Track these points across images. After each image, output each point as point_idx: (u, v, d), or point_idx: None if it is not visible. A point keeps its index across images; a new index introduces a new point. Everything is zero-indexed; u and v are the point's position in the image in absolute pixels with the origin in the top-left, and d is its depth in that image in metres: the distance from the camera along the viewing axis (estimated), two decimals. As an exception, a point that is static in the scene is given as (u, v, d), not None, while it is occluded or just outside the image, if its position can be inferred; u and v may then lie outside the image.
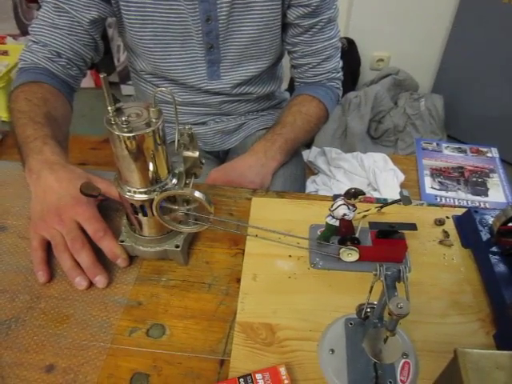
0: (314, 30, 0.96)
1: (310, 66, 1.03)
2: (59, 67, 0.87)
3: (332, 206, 0.61)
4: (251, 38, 0.93)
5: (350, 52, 2.26)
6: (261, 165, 0.92)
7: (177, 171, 0.61)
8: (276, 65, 1.10)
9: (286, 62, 1.16)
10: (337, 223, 0.62)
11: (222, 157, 1.18)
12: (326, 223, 0.63)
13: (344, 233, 0.63)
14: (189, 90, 1.01)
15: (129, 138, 0.51)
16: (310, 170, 1.60)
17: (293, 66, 1.08)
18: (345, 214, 0.60)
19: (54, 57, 0.87)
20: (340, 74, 1.09)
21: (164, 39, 0.91)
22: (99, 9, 0.86)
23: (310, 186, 1.51)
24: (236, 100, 1.06)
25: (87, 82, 2.68)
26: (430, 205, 0.77)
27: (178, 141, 0.58)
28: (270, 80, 1.09)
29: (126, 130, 0.50)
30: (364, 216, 0.63)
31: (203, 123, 1.09)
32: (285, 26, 0.97)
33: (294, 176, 1.05)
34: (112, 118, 0.51)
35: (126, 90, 2.65)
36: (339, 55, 1.06)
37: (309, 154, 1.66)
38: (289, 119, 1.01)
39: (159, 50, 0.93)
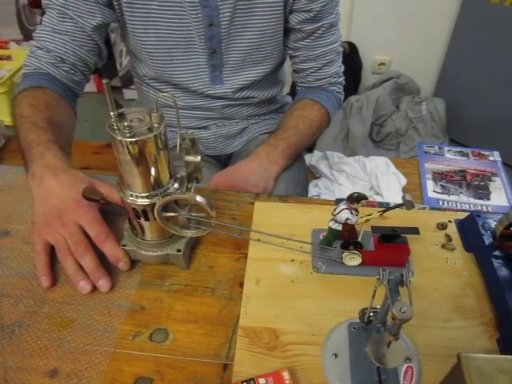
0: (315, 34, 0.96)
1: (312, 70, 1.04)
2: (63, 73, 0.88)
3: (335, 210, 0.61)
4: (253, 43, 0.94)
5: (351, 56, 2.27)
6: (264, 169, 0.92)
7: (179, 176, 0.61)
8: (278, 69, 1.10)
9: (287, 66, 1.16)
10: (339, 227, 0.62)
11: (224, 161, 1.19)
12: (329, 227, 0.63)
13: (347, 237, 0.63)
14: (191, 95, 1.01)
15: (131, 142, 0.51)
16: (312, 173, 1.60)
17: (294, 71, 1.08)
18: (347, 219, 0.60)
19: (58, 62, 0.87)
20: (342, 79, 1.09)
21: (167, 44, 0.91)
22: (103, 14, 0.87)
23: (313, 190, 1.51)
24: (238, 104, 1.06)
25: (89, 86, 2.68)
26: (432, 209, 0.77)
27: (180, 145, 0.58)
28: (271, 84, 1.10)
29: (128, 135, 0.51)
30: (367, 220, 0.63)
31: (205, 127, 1.09)
32: (287, 31, 0.98)
33: (296, 180, 1.05)
34: (114, 123, 0.51)
35: (129, 94, 2.66)
36: (341, 60, 1.07)
37: (311, 158, 1.66)
38: (291, 123, 1.01)
39: (162, 55, 0.93)
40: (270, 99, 1.13)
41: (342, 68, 1.08)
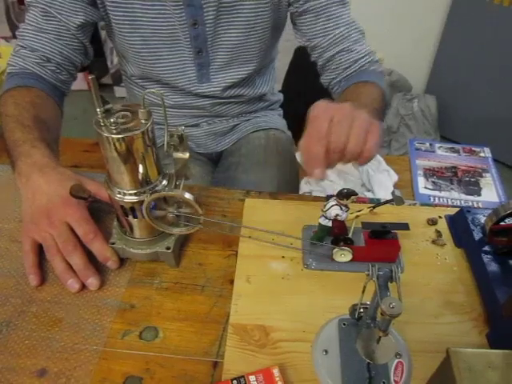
0: (327, 12, 0.89)
1: (343, 53, 0.91)
2: (48, 72, 0.86)
3: (324, 206, 0.61)
4: (239, 41, 0.92)
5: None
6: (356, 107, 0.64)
7: (167, 173, 0.61)
8: (267, 66, 1.09)
9: (278, 63, 1.16)
10: (329, 224, 0.62)
11: (215, 159, 1.18)
12: (319, 224, 0.63)
13: (337, 233, 0.63)
14: (180, 93, 1.00)
15: (118, 139, 0.51)
16: (304, 170, 1.60)
17: (322, 69, 0.96)
18: (337, 215, 0.60)
19: (43, 62, 0.85)
20: (377, 58, 0.94)
21: (153, 43, 0.90)
22: (86, 13, 0.84)
23: (304, 187, 1.51)
24: (227, 102, 1.05)
25: (80, 84, 2.67)
26: (422, 205, 0.77)
27: (168, 142, 0.57)
28: (261, 82, 1.08)
29: (115, 131, 0.50)
30: (357, 216, 0.63)
31: (196, 125, 1.08)
32: (296, 24, 0.93)
33: (288, 179, 1.05)
34: (101, 120, 0.51)
35: (120, 92, 2.64)
36: (365, 42, 0.94)
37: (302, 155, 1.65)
38: (349, 98, 0.80)
39: (148, 55, 0.92)
40: (261, 97, 1.12)
41: (371, 50, 0.94)
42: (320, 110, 0.61)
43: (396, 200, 0.60)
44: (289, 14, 0.95)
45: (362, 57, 0.92)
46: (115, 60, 2.57)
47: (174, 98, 1.01)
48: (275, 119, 1.18)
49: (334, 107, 0.62)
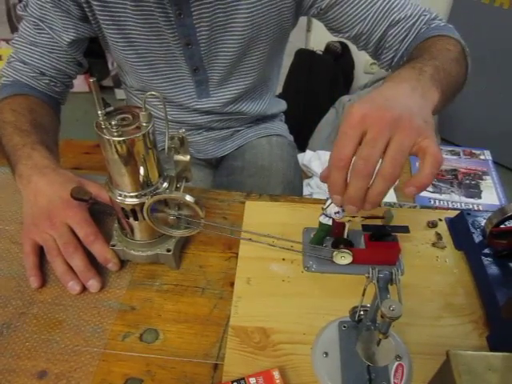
0: None
1: (392, 26, 0.81)
2: (43, 85, 0.86)
3: (325, 203, 0.61)
4: (235, 58, 0.89)
5: (343, 56, 2.27)
6: (420, 95, 0.56)
7: (168, 175, 0.61)
8: (267, 79, 1.05)
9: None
10: (330, 222, 0.62)
11: (214, 164, 1.16)
12: (319, 223, 0.63)
13: (337, 233, 0.63)
14: (179, 109, 0.99)
15: (119, 142, 0.51)
16: (304, 173, 1.60)
17: (376, 52, 0.87)
18: (337, 212, 0.59)
19: (38, 75, 0.85)
20: (435, 14, 0.83)
21: (149, 59, 0.88)
22: (77, 30, 0.83)
23: (305, 189, 1.52)
24: (227, 119, 1.03)
25: (81, 86, 2.68)
26: (422, 207, 0.77)
27: (169, 146, 0.57)
28: (262, 97, 1.05)
29: (116, 134, 0.50)
30: (349, 220, 0.62)
31: (195, 133, 1.07)
32: (327, 22, 0.87)
33: (292, 185, 1.04)
34: (102, 123, 0.51)
35: (120, 94, 2.65)
36: (414, 3, 0.82)
37: (303, 158, 1.66)
38: (420, 53, 0.70)
39: (145, 69, 0.90)
40: (261, 115, 1.09)
41: (426, 7, 0.83)
42: (352, 120, 0.50)
43: (387, 217, 0.61)
44: (305, 19, 0.92)
45: (416, 20, 0.80)
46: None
47: (173, 114, 1.00)
48: (277, 125, 1.16)
49: (374, 114, 0.49)
